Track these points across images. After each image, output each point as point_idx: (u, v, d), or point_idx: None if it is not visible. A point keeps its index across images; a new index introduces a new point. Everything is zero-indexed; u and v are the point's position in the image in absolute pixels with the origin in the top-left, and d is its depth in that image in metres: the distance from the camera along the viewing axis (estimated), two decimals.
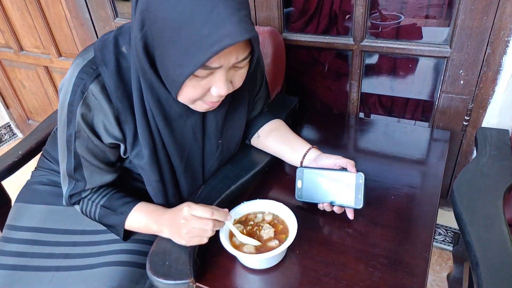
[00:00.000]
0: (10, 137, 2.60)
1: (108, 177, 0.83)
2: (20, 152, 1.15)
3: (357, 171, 0.85)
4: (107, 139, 0.77)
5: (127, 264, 0.86)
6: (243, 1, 0.62)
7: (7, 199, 1.16)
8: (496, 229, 0.77)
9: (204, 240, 0.75)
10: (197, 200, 0.88)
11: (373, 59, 1.28)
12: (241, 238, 0.79)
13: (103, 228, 0.91)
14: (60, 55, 1.96)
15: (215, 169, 0.94)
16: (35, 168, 1.05)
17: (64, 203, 0.85)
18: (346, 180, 0.86)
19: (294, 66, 1.40)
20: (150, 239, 0.90)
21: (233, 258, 0.80)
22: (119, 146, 0.80)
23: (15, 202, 0.98)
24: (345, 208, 0.86)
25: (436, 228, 1.51)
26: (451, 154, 1.29)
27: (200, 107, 0.74)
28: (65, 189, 0.83)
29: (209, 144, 0.89)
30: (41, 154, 1.07)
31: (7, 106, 2.51)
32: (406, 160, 1.04)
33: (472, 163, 0.96)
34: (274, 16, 1.34)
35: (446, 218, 1.44)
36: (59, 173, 0.89)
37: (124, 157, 0.83)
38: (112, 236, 0.90)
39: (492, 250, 0.73)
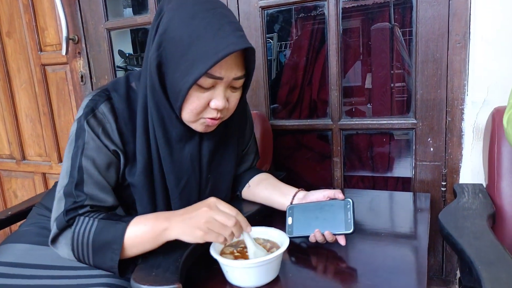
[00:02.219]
0: None
1: (109, 199, 0.82)
2: (10, 212, 1.15)
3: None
4: (111, 146, 0.82)
5: None
6: (240, 25, 0.79)
7: None
8: (485, 238, 0.78)
9: (220, 239, 0.72)
10: None
11: (352, 138, 1.43)
12: (251, 246, 0.77)
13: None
14: (60, 160, 2.08)
15: None
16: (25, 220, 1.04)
17: (54, 227, 0.79)
18: (335, 208, 0.89)
19: (280, 151, 1.53)
20: None
21: (223, 282, 0.76)
22: (119, 158, 0.84)
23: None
24: (337, 237, 0.86)
25: None
26: (436, 225, 1.31)
27: (201, 125, 0.82)
28: (59, 211, 0.79)
29: (203, 178, 0.93)
30: (33, 208, 1.07)
31: None
32: (390, 233, 0.96)
33: (453, 203, 1.00)
34: (262, 109, 1.54)
35: None
36: (49, 218, 0.88)
37: (121, 179, 0.86)
38: (94, 271, 0.85)
39: (484, 251, 0.73)
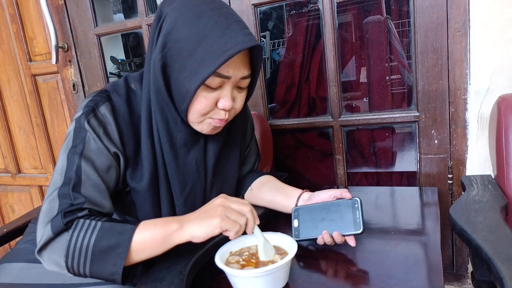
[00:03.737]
0: None
1: (106, 204, 0.77)
2: (5, 230, 1.11)
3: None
4: (112, 148, 0.78)
5: None
6: (246, 24, 0.78)
7: None
8: (501, 232, 0.75)
9: (236, 227, 0.70)
10: None
11: (353, 134, 1.40)
12: (260, 238, 0.75)
13: (86, 281, 0.83)
14: None
15: None
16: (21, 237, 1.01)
17: (48, 231, 0.69)
18: (342, 208, 0.85)
19: (281, 151, 1.50)
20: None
21: None
22: (119, 161, 0.80)
23: None
24: (346, 238, 0.83)
25: None
26: (445, 219, 1.28)
27: (207, 126, 0.80)
28: (51, 213, 0.71)
29: (208, 183, 0.90)
30: (29, 224, 1.03)
31: None
32: (400, 231, 0.92)
33: (463, 196, 0.97)
34: (260, 110, 1.50)
35: None
36: None
37: (121, 184, 0.82)
38: (96, 287, 0.81)
39: (501, 246, 0.69)
